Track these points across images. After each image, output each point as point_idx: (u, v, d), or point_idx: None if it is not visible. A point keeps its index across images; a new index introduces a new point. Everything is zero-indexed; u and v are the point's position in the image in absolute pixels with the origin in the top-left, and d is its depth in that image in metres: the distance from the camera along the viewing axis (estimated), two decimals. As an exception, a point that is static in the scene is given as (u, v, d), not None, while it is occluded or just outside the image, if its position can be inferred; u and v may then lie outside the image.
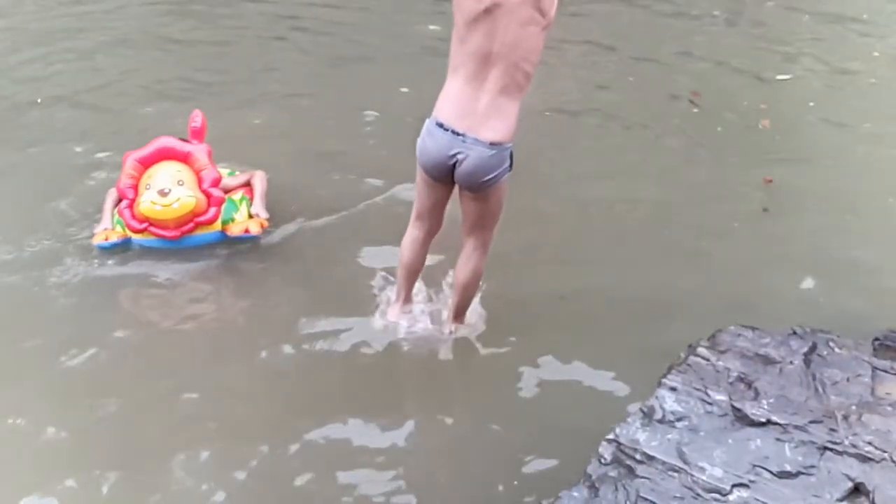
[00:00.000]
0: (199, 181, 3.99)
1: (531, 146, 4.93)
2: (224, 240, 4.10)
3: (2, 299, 3.81)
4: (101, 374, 3.39)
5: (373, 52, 6.46)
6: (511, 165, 3.07)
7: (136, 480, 2.93)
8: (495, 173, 3.02)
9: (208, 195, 3.99)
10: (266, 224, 4.16)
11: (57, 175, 4.71)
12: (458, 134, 2.96)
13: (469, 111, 2.95)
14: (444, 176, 3.09)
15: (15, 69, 6.20)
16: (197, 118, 4.33)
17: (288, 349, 3.52)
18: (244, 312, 3.82)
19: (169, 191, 3.86)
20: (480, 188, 3.06)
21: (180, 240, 4.01)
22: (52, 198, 4.48)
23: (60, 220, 4.30)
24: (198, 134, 4.31)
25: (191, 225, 3.97)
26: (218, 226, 4.06)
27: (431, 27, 6.41)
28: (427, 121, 3.08)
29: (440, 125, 2.99)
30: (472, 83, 2.93)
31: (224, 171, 4.43)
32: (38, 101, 5.70)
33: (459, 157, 2.98)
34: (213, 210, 4.00)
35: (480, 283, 3.46)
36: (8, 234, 4.17)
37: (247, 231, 4.07)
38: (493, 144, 2.96)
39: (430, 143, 3.04)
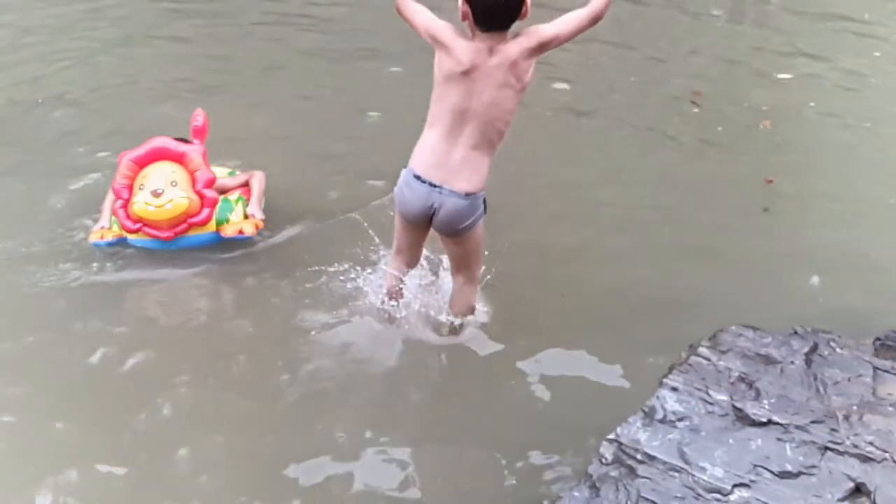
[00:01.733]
0: (193, 182, 3.97)
1: (534, 146, 4.95)
2: (218, 241, 4.08)
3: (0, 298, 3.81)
4: (99, 371, 3.40)
5: (375, 50, 6.45)
6: (485, 210, 3.25)
7: (137, 474, 2.95)
8: (470, 220, 3.20)
9: (202, 196, 3.96)
10: (261, 225, 4.14)
11: (57, 174, 4.70)
12: (434, 185, 3.13)
13: (444, 163, 3.11)
14: (422, 223, 3.27)
15: (16, 67, 6.19)
16: (199, 117, 4.32)
17: (288, 348, 3.51)
18: (244, 312, 3.79)
19: (162, 191, 3.84)
20: (458, 234, 3.25)
21: (174, 240, 3.99)
22: (51, 197, 4.48)
23: (59, 219, 4.30)
24: (199, 133, 4.30)
25: (184, 226, 3.95)
26: (212, 226, 4.04)
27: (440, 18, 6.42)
28: (404, 171, 3.22)
29: (417, 177, 3.15)
30: (448, 138, 3.10)
31: (224, 171, 4.43)
32: (40, 100, 5.70)
33: (436, 206, 3.16)
34: (206, 211, 3.97)
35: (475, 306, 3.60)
36: (6, 233, 4.17)
37: (241, 232, 4.04)
38: (467, 195, 3.13)
39: (408, 194, 3.19)
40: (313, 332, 3.57)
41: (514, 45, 3.00)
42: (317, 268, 3.84)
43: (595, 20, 3.04)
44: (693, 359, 2.82)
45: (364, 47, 6.55)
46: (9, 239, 4.13)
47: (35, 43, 6.65)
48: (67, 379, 3.37)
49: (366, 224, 3.81)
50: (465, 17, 3.01)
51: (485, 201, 3.23)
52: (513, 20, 3.00)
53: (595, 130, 5.48)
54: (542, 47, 3.02)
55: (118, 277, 3.94)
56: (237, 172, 4.46)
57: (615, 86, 6.08)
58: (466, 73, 3.01)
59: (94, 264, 3.99)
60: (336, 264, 3.81)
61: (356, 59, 6.39)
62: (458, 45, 3.01)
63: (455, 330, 3.54)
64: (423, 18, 3.09)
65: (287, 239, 4.19)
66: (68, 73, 6.15)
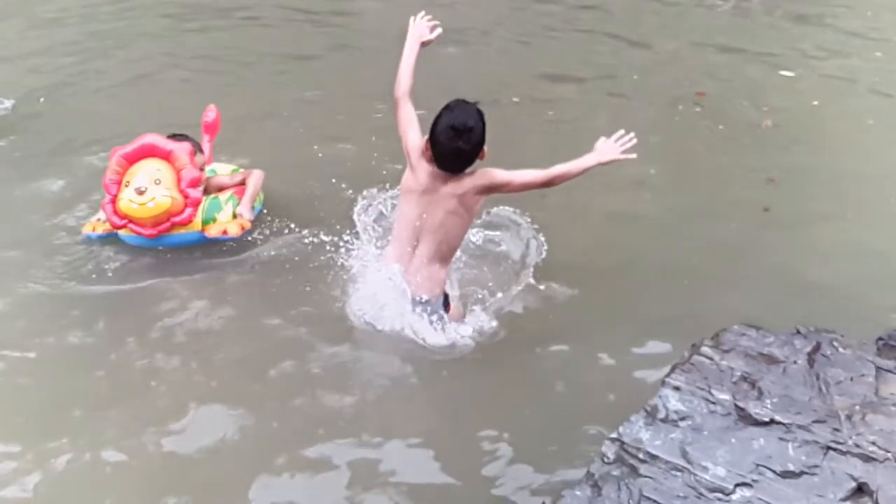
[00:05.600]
0: (179, 180, 3.95)
1: (538, 145, 4.95)
2: (203, 240, 4.07)
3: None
4: (88, 365, 3.43)
5: (379, 50, 6.44)
6: (447, 308, 3.51)
7: (145, 463, 2.99)
8: (433, 317, 3.46)
9: (185, 195, 3.95)
10: (247, 225, 4.11)
11: (57, 173, 4.71)
12: None
13: (404, 271, 3.40)
14: None
15: (17, 63, 6.20)
16: (211, 112, 4.32)
17: (290, 343, 3.53)
18: (246, 310, 3.80)
19: (145, 189, 3.84)
20: None
21: (159, 238, 3.99)
22: (51, 196, 4.51)
23: (58, 218, 4.32)
24: (210, 128, 4.30)
25: (167, 224, 3.94)
26: (197, 226, 4.03)
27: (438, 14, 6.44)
28: None
29: None
30: (407, 251, 3.42)
31: (228, 168, 4.43)
32: (41, 99, 5.70)
33: None
34: (188, 210, 3.96)
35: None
36: (4, 229, 4.19)
37: (225, 232, 4.03)
38: (423, 301, 3.41)
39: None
40: (315, 329, 3.58)
41: (468, 181, 3.29)
42: (318, 267, 3.84)
43: (547, 185, 3.35)
44: (695, 358, 2.82)
45: (369, 47, 6.56)
46: (7, 237, 4.15)
47: (40, 37, 6.66)
48: (70, 374, 3.39)
49: (368, 224, 3.81)
50: (426, 151, 3.27)
51: (447, 300, 3.51)
52: (468, 166, 3.29)
53: (599, 130, 5.46)
54: (491, 188, 3.31)
55: (117, 274, 3.95)
56: (241, 170, 4.45)
57: (619, 85, 6.07)
58: (423, 193, 3.32)
59: (92, 263, 4.00)
60: (337, 264, 3.81)
61: (361, 58, 6.39)
62: (421, 168, 3.32)
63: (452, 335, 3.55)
64: (409, 130, 3.37)
65: (289, 239, 4.18)
66: (70, 70, 6.16)
